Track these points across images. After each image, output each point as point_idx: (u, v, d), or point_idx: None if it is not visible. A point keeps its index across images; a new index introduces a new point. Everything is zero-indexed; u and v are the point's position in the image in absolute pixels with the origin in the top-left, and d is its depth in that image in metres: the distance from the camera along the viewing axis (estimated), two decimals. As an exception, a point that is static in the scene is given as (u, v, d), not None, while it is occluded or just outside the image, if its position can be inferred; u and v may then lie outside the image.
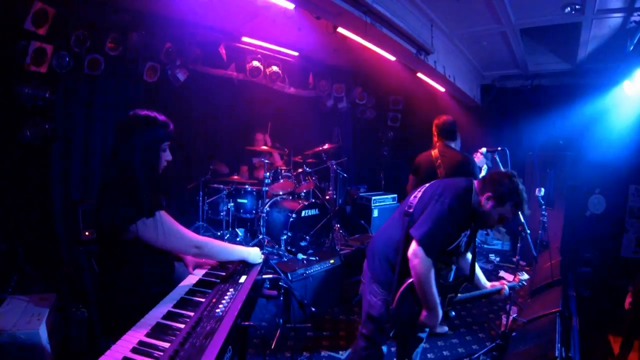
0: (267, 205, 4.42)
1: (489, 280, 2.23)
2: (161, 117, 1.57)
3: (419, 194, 1.98)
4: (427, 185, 2.02)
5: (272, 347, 2.98)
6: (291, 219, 4.14)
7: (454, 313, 2.02)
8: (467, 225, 1.90)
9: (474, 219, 1.89)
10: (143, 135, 1.50)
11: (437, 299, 1.82)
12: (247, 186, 4.68)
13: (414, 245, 1.78)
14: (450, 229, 1.82)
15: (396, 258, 1.92)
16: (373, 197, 5.64)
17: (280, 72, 5.13)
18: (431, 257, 1.77)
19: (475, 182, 1.93)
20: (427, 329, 2.16)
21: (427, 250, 1.76)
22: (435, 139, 3.09)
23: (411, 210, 1.93)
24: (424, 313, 1.85)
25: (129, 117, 1.56)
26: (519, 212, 1.93)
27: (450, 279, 2.14)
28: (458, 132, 3.10)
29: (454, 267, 2.12)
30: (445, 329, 1.98)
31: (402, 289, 1.86)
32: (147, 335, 1.18)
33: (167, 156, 1.61)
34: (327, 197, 4.81)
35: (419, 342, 2.22)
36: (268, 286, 1.81)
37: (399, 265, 1.89)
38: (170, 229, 1.50)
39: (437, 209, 1.81)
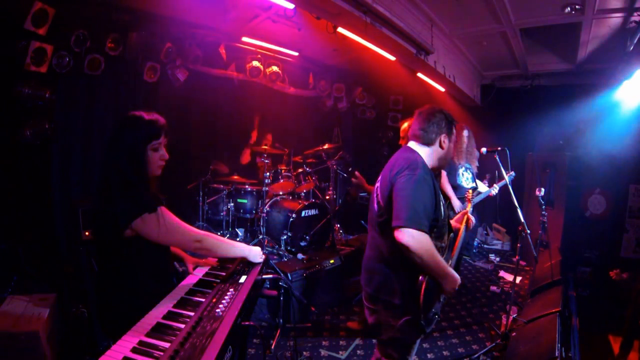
0: (267, 205, 4.42)
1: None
2: (147, 116, 1.53)
3: (378, 190, 1.86)
4: (378, 182, 1.92)
5: (272, 347, 2.98)
6: (291, 219, 4.14)
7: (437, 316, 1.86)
8: (434, 184, 1.79)
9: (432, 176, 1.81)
10: (127, 136, 1.49)
11: (444, 263, 1.70)
12: (247, 186, 4.68)
13: (400, 233, 1.59)
14: (427, 196, 1.68)
15: (396, 265, 1.76)
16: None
17: (280, 72, 5.13)
18: (425, 230, 1.60)
19: (413, 144, 1.91)
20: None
21: (417, 226, 1.58)
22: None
23: (380, 205, 1.82)
24: (442, 287, 1.72)
25: (119, 119, 1.55)
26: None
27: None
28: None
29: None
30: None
31: (422, 290, 1.69)
32: (147, 335, 1.18)
33: (161, 155, 1.57)
34: (327, 197, 4.80)
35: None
36: (268, 286, 1.79)
37: (402, 270, 1.74)
38: (171, 224, 1.50)
39: (403, 185, 1.67)
